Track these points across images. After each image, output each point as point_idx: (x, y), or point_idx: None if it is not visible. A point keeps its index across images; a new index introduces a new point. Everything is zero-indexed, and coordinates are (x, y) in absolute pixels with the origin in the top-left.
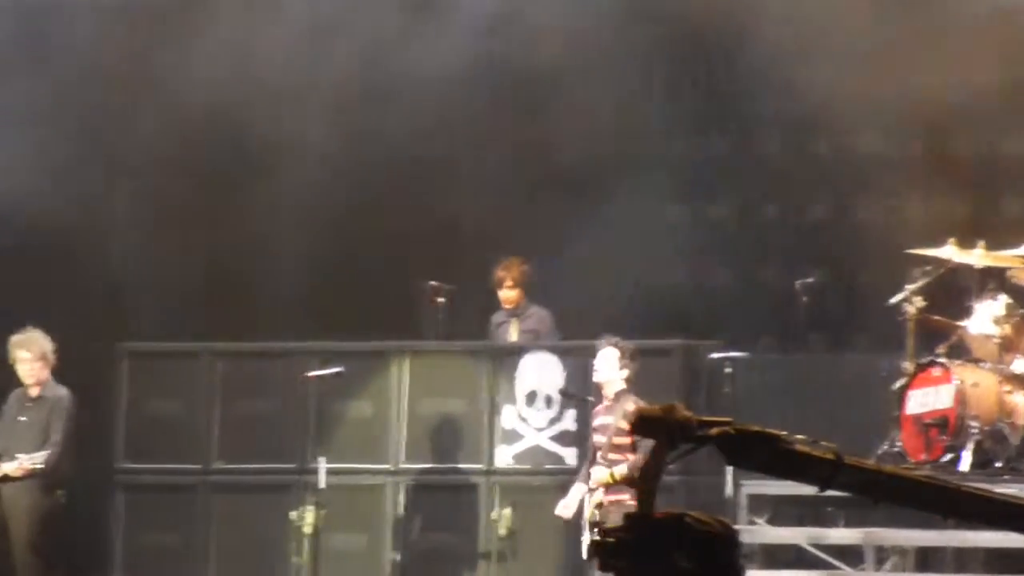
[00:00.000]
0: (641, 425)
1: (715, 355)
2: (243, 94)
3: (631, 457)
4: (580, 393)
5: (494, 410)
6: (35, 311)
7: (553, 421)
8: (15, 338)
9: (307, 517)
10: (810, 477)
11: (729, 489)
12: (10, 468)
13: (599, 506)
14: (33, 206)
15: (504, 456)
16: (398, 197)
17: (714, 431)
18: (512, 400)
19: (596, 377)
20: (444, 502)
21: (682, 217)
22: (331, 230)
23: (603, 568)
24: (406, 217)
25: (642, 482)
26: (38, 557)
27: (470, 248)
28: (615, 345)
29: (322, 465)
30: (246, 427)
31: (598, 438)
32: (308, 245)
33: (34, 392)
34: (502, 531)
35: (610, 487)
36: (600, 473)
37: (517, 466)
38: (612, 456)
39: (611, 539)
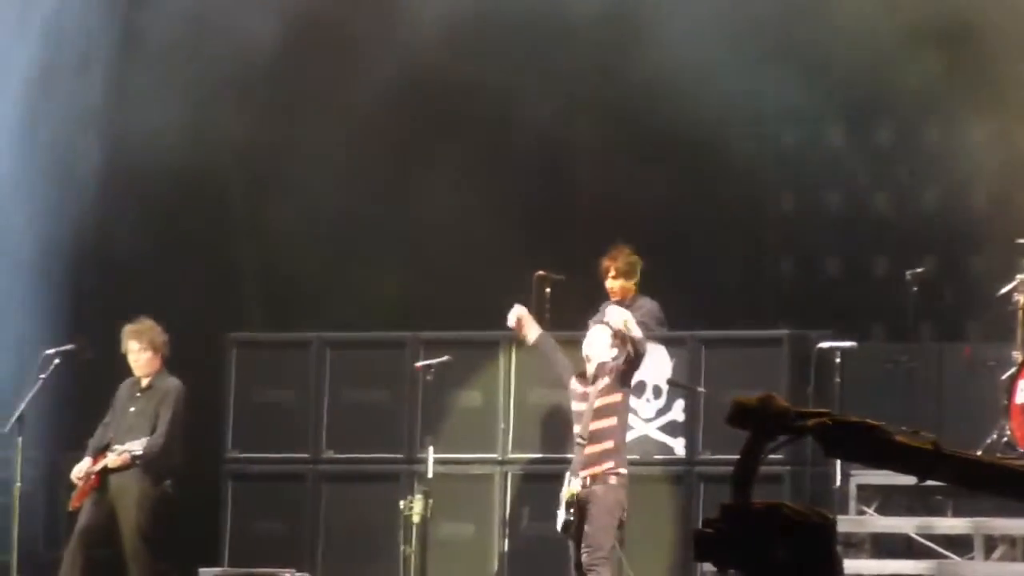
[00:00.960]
0: (738, 416)
1: (824, 345)
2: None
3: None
4: (689, 383)
5: None
6: (150, 301)
7: (661, 412)
8: (128, 328)
9: (415, 506)
10: (909, 467)
11: (838, 479)
12: (110, 459)
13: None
14: (149, 197)
15: None
16: (506, 185)
17: (811, 422)
18: None
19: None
20: (551, 492)
21: (791, 206)
22: (439, 219)
23: (700, 558)
24: (513, 205)
25: (740, 473)
26: (148, 546)
27: (581, 236)
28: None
29: (430, 454)
30: (355, 416)
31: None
32: (416, 234)
33: (145, 382)
34: None
35: (590, 459)
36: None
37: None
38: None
39: (709, 530)
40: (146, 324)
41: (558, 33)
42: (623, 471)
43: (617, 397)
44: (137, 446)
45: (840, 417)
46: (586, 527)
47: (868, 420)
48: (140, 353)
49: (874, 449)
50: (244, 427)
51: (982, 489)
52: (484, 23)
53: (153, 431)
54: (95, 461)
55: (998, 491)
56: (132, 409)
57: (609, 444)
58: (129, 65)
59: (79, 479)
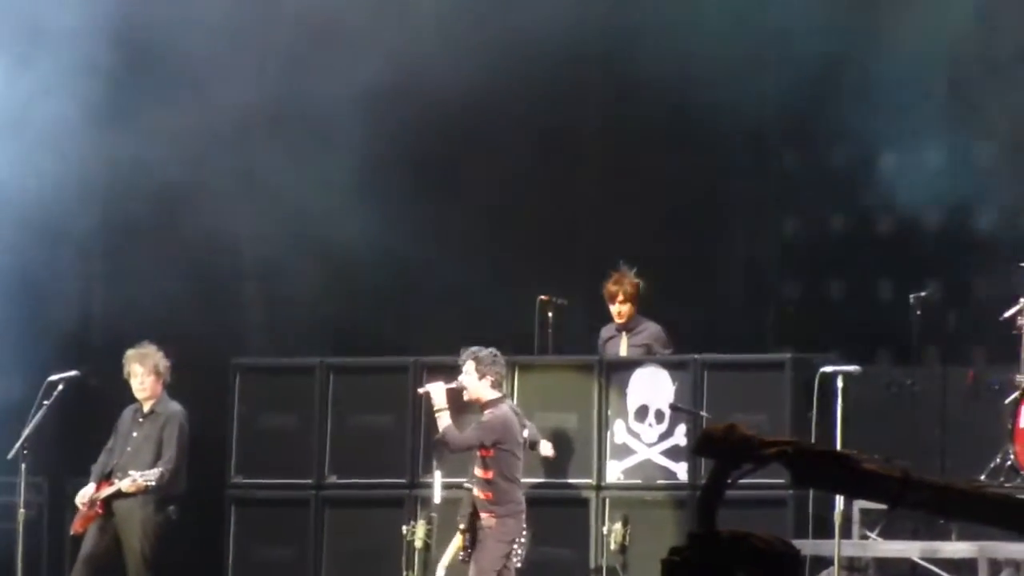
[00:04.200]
0: (703, 444)
1: (827, 368)
2: None
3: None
4: (691, 408)
5: (604, 425)
6: (153, 326)
7: (664, 436)
8: (130, 352)
9: (418, 531)
10: (878, 495)
11: (841, 503)
12: (123, 484)
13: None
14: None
15: (615, 471)
16: (510, 209)
17: (773, 451)
18: (623, 415)
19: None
20: (555, 516)
21: (796, 229)
22: (441, 243)
23: None
24: (517, 229)
25: (705, 501)
26: (151, 571)
27: (581, 261)
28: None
29: (437, 479)
30: (358, 441)
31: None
32: (417, 258)
33: (147, 407)
34: (613, 546)
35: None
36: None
37: (628, 481)
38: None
39: (676, 557)
40: (149, 349)
41: (569, 55)
42: None
43: None
44: (151, 475)
45: (804, 445)
46: None
47: (834, 448)
48: (143, 378)
49: (841, 477)
50: (247, 452)
51: (955, 517)
52: (482, 33)
53: (157, 456)
54: (99, 487)
55: (971, 518)
56: (135, 434)
57: None
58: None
59: (84, 504)
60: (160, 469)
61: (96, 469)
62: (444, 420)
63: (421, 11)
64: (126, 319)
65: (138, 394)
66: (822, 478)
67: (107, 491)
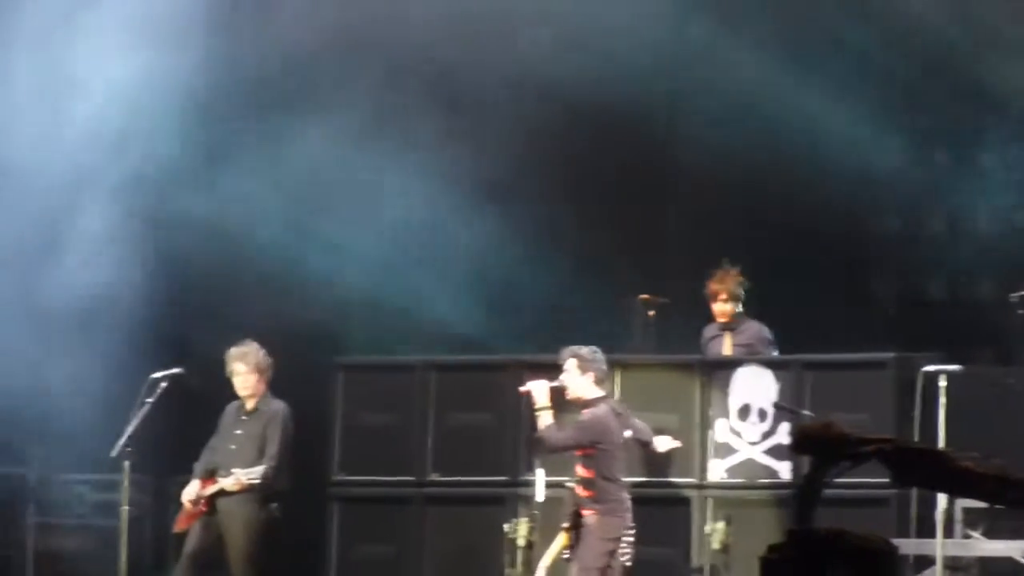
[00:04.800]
0: (800, 442)
1: (929, 368)
2: None
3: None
4: (794, 407)
5: (706, 424)
6: (257, 324)
7: (766, 435)
8: (232, 351)
9: (521, 529)
10: (976, 493)
11: (944, 502)
12: (227, 483)
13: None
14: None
15: (717, 470)
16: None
17: (871, 448)
18: (725, 414)
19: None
20: (657, 516)
21: (896, 229)
22: (542, 239)
23: None
24: (617, 227)
25: (802, 498)
26: (254, 569)
27: (681, 260)
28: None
29: (540, 477)
30: (460, 439)
31: None
32: (518, 256)
33: (250, 405)
34: (715, 545)
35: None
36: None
37: (730, 480)
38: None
39: (774, 554)
40: (251, 347)
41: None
42: None
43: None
44: (255, 474)
45: (902, 443)
46: None
47: (932, 446)
48: (245, 376)
49: (937, 475)
50: (350, 450)
51: None
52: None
53: (260, 454)
54: (203, 485)
55: None
56: (238, 432)
57: None
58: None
59: (190, 503)
60: (264, 467)
61: (199, 467)
62: (545, 419)
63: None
64: (230, 316)
65: (240, 392)
66: (919, 475)
67: (211, 489)
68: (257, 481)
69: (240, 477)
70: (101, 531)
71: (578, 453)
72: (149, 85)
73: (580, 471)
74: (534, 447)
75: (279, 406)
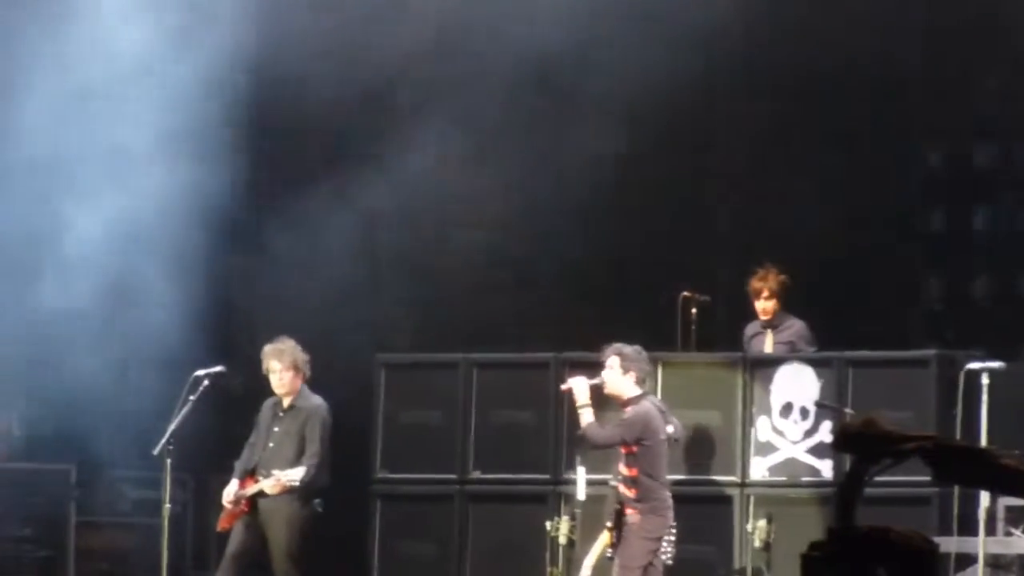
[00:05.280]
0: (841, 439)
1: (972, 366)
2: None
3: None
4: (836, 405)
5: (748, 422)
6: (298, 323)
7: (809, 433)
8: (268, 348)
9: (563, 527)
10: (1019, 491)
11: (986, 500)
12: (266, 485)
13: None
14: None
15: (759, 468)
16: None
17: (913, 445)
18: (767, 412)
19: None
20: (699, 514)
21: (939, 226)
22: (586, 240)
23: None
24: (660, 225)
25: (844, 496)
26: (296, 566)
27: (725, 257)
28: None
29: (581, 475)
30: (502, 437)
31: None
32: (563, 254)
33: (287, 402)
34: (757, 544)
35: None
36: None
37: (772, 478)
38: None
39: (815, 552)
40: (287, 344)
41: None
42: None
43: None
44: (295, 475)
45: (944, 440)
46: None
47: (974, 444)
48: (281, 374)
49: (979, 472)
50: (392, 448)
51: None
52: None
53: (299, 452)
54: (243, 484)
55: None
56: (276, 429)
57: None
58: None
59: (230, 503)
60: (304, 466)
61: (239, 465)
62: (587, 416)
63: None
64: (270, 314)
65: (277, 390)
66: (961, 473)
67: (252, 489)
68: (297, 482)
69: (280, 478)
70: (143, 529)
71: (622, 451)
72: None
73: (623, 469)
74: (578, 445)
75: (318, 402)
